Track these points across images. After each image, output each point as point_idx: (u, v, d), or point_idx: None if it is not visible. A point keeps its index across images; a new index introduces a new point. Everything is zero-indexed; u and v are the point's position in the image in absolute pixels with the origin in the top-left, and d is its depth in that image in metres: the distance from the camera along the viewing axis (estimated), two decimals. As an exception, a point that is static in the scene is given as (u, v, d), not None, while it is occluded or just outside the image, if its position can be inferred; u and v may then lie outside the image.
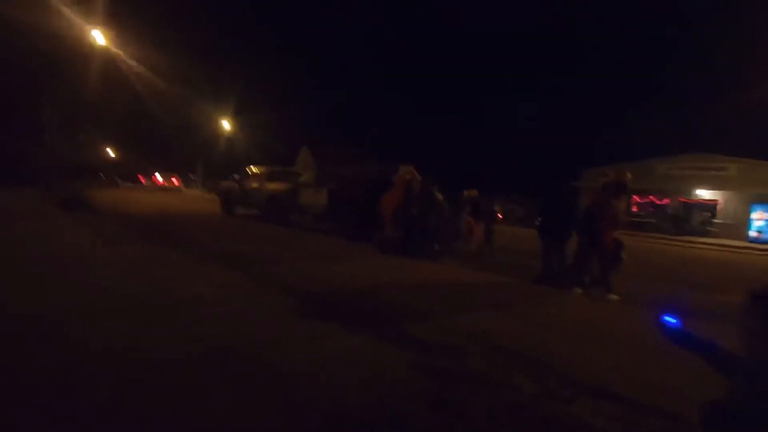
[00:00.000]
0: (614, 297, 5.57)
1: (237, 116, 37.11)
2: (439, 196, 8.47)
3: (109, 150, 46.48)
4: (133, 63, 22.72)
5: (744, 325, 1.37)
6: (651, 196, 26.01)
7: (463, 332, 3.79)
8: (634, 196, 26.15)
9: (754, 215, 22.50)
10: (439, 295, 5.36)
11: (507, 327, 4.05)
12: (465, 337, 3.63)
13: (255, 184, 13.98)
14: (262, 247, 8.07)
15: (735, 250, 18.65)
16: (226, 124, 37.01)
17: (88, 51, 17.65)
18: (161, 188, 36.07)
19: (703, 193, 24.48)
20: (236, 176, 15.04)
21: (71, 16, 16.50)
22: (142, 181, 41.30)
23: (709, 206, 24.57)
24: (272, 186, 13.35)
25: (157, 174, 38.38)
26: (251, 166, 15.11)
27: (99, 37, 17.55)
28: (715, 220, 23.99)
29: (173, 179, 37.82)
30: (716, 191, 24.00)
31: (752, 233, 22.38)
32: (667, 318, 1.64)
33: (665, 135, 56.17)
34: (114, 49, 19.91)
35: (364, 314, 4.15)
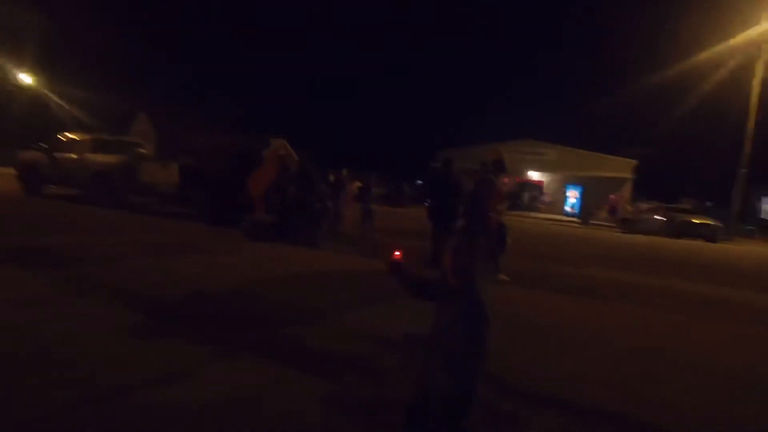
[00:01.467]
0: (504, 277, 5.63)
1: (45, 69, 29.30)
2: (319, 175, 7.62)
3: None
4: None
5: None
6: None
7: (368, 334, 3.17)
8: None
9: (568, 193, 27.40)
10: (328, 288, 4.62)
11: (413, 322, 3.55)
12: (372, 342, 3.00)
13: (74, 155, 10.89)
14: (87, 240, 6.11)
15: (558, 222, 22.23)
16: (25, 78, 28.93)
17: None
18: None
19: (533, 175, 28.62)
20: (43, 145, 11.51)
21: None
22: None
23: (537, 186, 28.91)
24: (100, 158, 10.54)
25: None
26: (67, 133, 11.77)
27: None
28: (543, 198, 28.37)
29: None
30: (542, 173, 28.31)
31: (567, 208, 27.23)
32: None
33: (504, 123, 64.40)
34: None
35: (243, 325, 3.17)
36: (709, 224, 17.27)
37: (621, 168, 25.91)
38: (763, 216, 31.67)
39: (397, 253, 1.77)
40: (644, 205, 20.51)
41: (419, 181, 41.37)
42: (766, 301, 6.10)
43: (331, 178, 9.36)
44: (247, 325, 3.28)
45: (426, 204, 6.43)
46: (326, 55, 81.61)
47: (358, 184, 9.18)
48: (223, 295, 4.03)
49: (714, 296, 6.04)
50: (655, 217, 18.73)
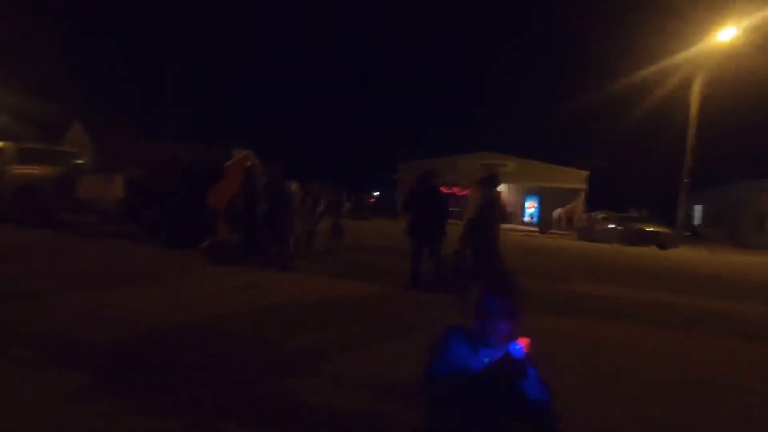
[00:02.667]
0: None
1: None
2: (294, 188, 6.90)
3: None
4: None
5: None
6: (455, 188, 29.58)
7: (383, 383, 2.58)
8: (442, 188, 29.29)
9: (527, 204, 28.14)
10: (317, 321, 3.96)
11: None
12: (389, 394, 2.39)
13: (-7, 167, 9.41)
14: (11, 269, 5.03)
15: (518, 232, 22.57)
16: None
17: None
18: None
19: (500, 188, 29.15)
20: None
21: None
22: None
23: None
24: (25, 170, 9.15)
25: None
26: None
27: None
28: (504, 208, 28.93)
29: None
30: (502, 184, 28.89)
31: (525, 218, 27.92)
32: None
33: (462, 135, 65.96)
34: None
35: (222, 379, 2.45)
36: (660, 232, 18.10)
37: (574, 179, 26.96)
38: (695, 222, 34.13)
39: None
40: (598, 215, 21.27)
41: (375, 193, 41.06)
42: None
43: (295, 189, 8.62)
44: (228, 378, 2.57)
45: (407, 219, 5.81)
46: (274, 61, 79.88)
47: (327, 198, 8.56)
48: (190, 337, 3.27)
49: (728, 311, 5.94)
50: (610, 226, 19.43)
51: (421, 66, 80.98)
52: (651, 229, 18.24)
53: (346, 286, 5.68)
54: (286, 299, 4.71)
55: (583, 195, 27.00)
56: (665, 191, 34.03)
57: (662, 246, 17.69)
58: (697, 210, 36.47)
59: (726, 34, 18.86)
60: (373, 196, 37.76)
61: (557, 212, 25.53)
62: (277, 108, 74.18)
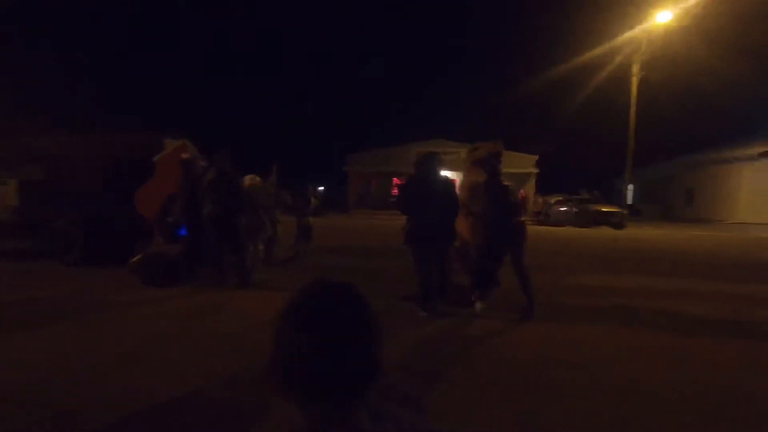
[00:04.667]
0: (479, 307, 4.26)
1: None
2: (253, 183, 5.50)
3: None
4: None
5: None
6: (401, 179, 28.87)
7: None
8: (395, 179, 28.45)
9: (479, 191, 28.02)
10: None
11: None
12: None
13: None
14: None
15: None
16: None
17: None
18: None
19: (447, 173, 28.65)
20: None
21: None
22: None
23: (452, 184, 29.05)
24: None
25: None
26: None
27: None
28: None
29: None
30: (454, 172, 28.54)
31: (478, 206, 27.83)
32: None
33: (413, 123, 65.41)
34: None
35: None
36: (615, 212, 18.45)
37: (525, 163, 27.21)
38: (629, 202, 36.13)
39: None
40: (552, 198, 21.44)
41: (321, 188, 39.42)
42: None
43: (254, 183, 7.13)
44: None
45: (407, 222, 4.37)
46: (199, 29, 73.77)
47: (290, 193, 7.25)
48: (126, 401, 1.99)
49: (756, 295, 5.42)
50: (564, 209, 19.59)
51: (369, 55, 79.20)
52: (606, 209, 18.55)
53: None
54: (254, 330, 3.46)
55: (534, 179, 27.36)
56: (605, 172, 35.67)
57: (615, 226, 18.04)
58: (630, 189, 38.74)
59: (662, 16, 19.45)
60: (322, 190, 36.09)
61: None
62: (205, 88, 68.81)
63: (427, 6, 72.17)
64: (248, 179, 5.45)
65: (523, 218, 4.52)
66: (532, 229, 17.97)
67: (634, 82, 21.35)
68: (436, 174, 4.35)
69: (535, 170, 27.44)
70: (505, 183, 4.41)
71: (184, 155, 5.51)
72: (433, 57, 77.56)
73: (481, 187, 4.62)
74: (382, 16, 79.45)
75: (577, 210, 18.86)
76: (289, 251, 7.15)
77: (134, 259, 5.19)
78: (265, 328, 2.54)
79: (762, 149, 22.46)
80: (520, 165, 27.25)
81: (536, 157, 27.49)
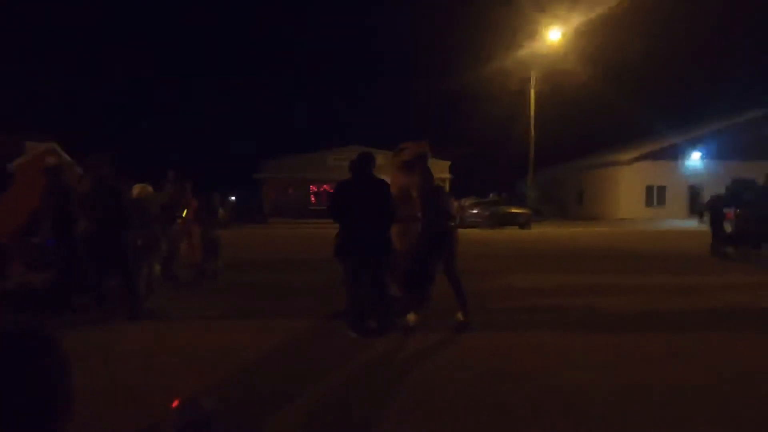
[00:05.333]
0: (412, 320, 3.99)
1: None
2: (141, 193, 4.58)
3: None
4: None
5: None
6: (325, 186, 28.19)
7: None
8: (312, 186, 27.65)
9: (397, 196, 28.32)
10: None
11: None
12: None
13: None
14: None
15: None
16: None
17: None
18: None
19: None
20: None
21: None
22: None
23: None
24: None
25: None
26: None
27: None
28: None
29: None
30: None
31: (397, 211, 28.11)
32: None
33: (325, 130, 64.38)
34: None
35: None
36: (522, 213, 19.72)
37: (439, 169, 28.10)
38: (529, 204, 39.35)
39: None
40: (466, 201, 22.37)
41: (232, 198, 37.03)
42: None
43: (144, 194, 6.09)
44: None
45: (338, 232, 3.91)
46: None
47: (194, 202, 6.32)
48: None
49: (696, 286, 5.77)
50: (476, 211, 20.50)
51: (278, 60, 76.50)
52: (514, 211, 19.74)
53: (245, 328, 3.83)
54: (139, 380, 2.72)
55: (448, 185, 28.37)
56: (509, 176, 38.36)
57: (522, 225, 19.28)
58: (531, 191, 42.21)
59: (553, 35, 21.43)
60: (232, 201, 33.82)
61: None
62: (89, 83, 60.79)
63: (339, 12, 72.21)
64: (137, 188, 4.56)
65: (455, 222, 4.29)
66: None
67: (532, 93, 23.22)
68: (372, 177, 3.94)
69: (449, 176, 28.49)
70: (438, 185, 4.18)
71: (49, 161, 4.43)
72: (346, 63, 77.64)
73: (409, 191, 4.34)
74: (292, 18, 77.79)
75: (488, 212, 19.82)
76: (195, 270, 6.24)
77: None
78: (163, 374, 1.76)
79: (635, 154, 25.77)
80: (434, 171, 28.07)
81: (449, 163, 28.57)
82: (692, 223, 21.73)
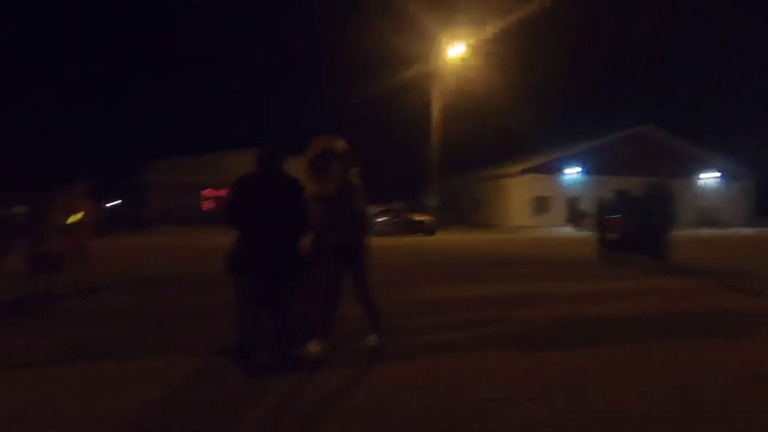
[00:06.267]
0: (374, 342, 3.39)
1: None
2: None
3: None
4: None
5: None
6: (222, 190, 25.91)
7: None
8: (206, 191, 25.19)
9: (302, 203, 27.21)
10: None
11: None
12: None
13: None
14: None
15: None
16: None
17: None
18: None
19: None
20: None
21: None
22: None
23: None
24: None
25: None
26: None
27: None
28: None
29: None
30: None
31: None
32: None
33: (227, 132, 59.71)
34: None
35: None
36: (427, 221, 20.07)
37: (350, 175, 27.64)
38: (433, 212, 40.96)
39: None
40: (374, 210, 22.18)
41: (116, 202, 32.49)
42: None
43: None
44: None
45: (233, 251, 3.04)
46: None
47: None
48: None
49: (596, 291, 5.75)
50: (383, 219, 20.41)
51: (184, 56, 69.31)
52: (419, 218, 20.02)
53: (70, 382, 2.76)
54: None
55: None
56: (413, 184, 39.44)
57: (428, 233, 19.63)
58: (433, 200, 43.97)
59: (456, 50, 22.42)
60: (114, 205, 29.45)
61: None
62: None
63: (246, 12, 68.28)
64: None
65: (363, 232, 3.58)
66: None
67: (435, 106, 24.01)
68: (283, 174, 3.17)
69: (359, 183, 28.19)
70: (351, 183, 3.54)
71: None
72: (246, 68, 73.53)
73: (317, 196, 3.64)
74: (189, 19, 71.60)
75: (395, 220, 19.83)
76: (23, 290, 4.76)
77: None
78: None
79: (523, 167, 28.16)
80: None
81: (359, 170, 28.28)
82: (571, 230, 24.42)
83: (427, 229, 19.67)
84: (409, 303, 5.10)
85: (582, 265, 8.75)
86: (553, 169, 28.07)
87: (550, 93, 58.15)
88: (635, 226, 8.12)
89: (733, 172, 30.20)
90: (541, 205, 28.05)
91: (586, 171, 27.58)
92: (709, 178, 30.28)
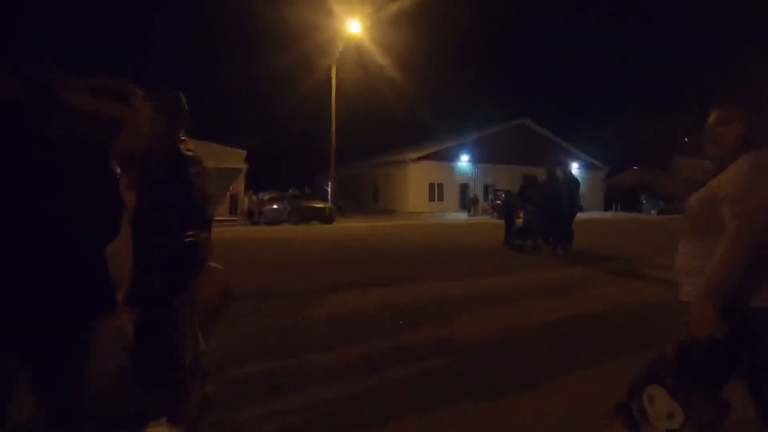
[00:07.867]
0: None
1: None
2: None
3: None
4: None
5: None
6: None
7: None
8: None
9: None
10: None
11: None
12: None
13: None
14: None
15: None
16: None
17: None
18: None
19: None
20: None
21: None
22: None
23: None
24: None
25: None
26: None
27: None
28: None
29: None
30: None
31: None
32: None
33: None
34: None
35: None
36: (325, 208, 18.91)
37: (234, 158, 24.91)
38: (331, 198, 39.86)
39: None
40: (265, 196, 20.30)
41: None
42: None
43: None
44: None
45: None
46: None
47: None
48: None
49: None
50: (278, 207, 18.72)
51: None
52: (317, 206, 18.79)
53: None
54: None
55: (244, 175, 25.47)
56: (308, 170, 37.76)
57: (326, 220, 18.51)
58: (329, 186, 42.80)
59: (353, 27, 21.31)
60: None
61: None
62: None
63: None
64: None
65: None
66: (247, 232, 15.75)
67: (333, 86, 22.74)
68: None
69: (244, 166, 25.64)
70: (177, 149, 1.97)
71: None
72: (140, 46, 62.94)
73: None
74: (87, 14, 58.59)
75: (290, 208, 18.31)
76: None
77: None
78: None
79: (420, 154, 28.53)
80: (228, 160, 24.81)
81: (245, 152, 25.71)
82: (464, 216, 25.44)
83: (325, 217, 18.54)
84: (309, 319, 4.01)
85: (491, 254, 8.48)
86: (446, 156, 28.91)
87: (448, 80, 60.54)
88: (542, 213, 8.08)
89: (589, 162, 34.21)
90: (436, 191, 28.78)
91: (475, 159, 28.94)
92: (574, 168, 34.15)
